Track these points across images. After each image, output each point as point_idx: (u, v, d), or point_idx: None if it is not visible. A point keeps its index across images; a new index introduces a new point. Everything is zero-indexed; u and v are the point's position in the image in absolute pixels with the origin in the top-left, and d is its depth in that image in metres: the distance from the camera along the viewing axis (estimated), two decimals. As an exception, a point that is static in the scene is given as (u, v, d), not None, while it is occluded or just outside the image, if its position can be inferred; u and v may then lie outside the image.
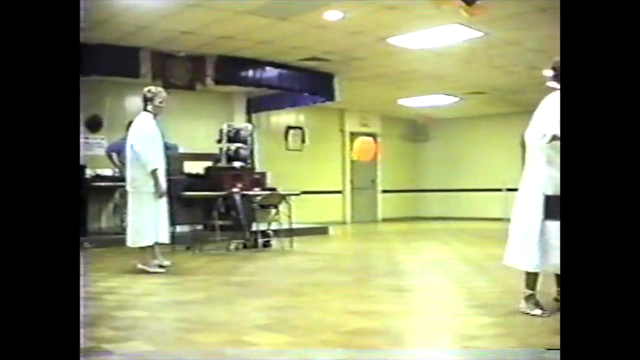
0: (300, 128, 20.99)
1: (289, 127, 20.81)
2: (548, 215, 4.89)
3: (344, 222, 22.31)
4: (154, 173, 8.92)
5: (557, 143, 5.50)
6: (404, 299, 7.21)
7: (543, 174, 5.90)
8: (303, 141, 20.99)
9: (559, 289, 6.16)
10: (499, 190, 21.03)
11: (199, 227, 13.09)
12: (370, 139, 21.39)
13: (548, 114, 5.82)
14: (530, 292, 6.13)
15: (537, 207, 5.60)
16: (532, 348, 4.75)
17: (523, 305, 6.11)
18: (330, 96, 16.53)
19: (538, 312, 5.99)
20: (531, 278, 6.15)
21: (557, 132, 5.42)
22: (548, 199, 4.89)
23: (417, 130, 25.18)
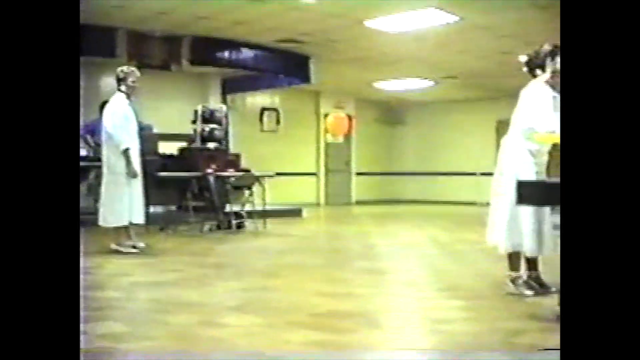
0: (275, 110, 20.97)
1: (264, 109, 20.77)
2: (520, 200, 4.95)
3: (318, 204, 22.34)
4: (125, 153, 8.91)
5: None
6: (376, 281, 7.27)
7: (524, 161, 6.00)
8: (278, 123, 20.96)
9: (530, 272, 6.24)
10: (473, 174, 21.17)
11: (173, 207, 13.08)
12: (343, 114, 21.46)
13: (541, 106, 5.89)
14: (515, 274, 6.23)
15: (511, 192, 5.66)
16: (501, 332, 4.82)
17: (511, 287, 6.19)
18: (305, 78, 16.52)
19: (530, 292, 6.09)
20: (514, 260, 6.24)
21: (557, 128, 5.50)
22: (520, 184, 4.94)
23: (392, 113, 25.22)
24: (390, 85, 20.35)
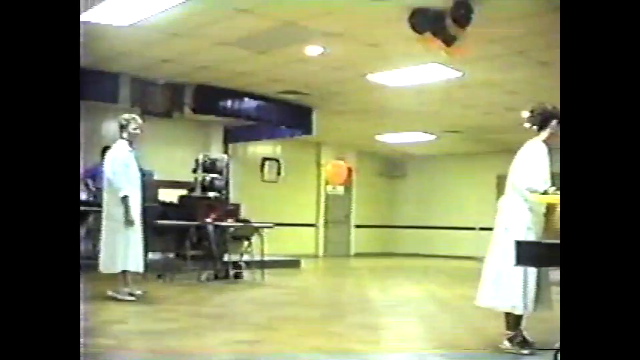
0: (276, 160, 20.99)
1: (265, 159, 20.80)
2: (519, 261, 4.94)
3: (316, 256, 22.27)
4: (124, 200, 8.90)
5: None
6: (372, 337, 7.20)
7: (522, 219, 6.01)
8: (279, 173, 20.98)
9: (512, 330, 6.23)
10: (472, 228, 21.14)
11: (171, 255, 13.03)
12: (342, 162, 21.49)
13: (538, 165, 5.95)
14: (512, 332, 6.19)
15: (512, 251, 5.64)
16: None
17: (507, 345, 6.16)
18: (307, 129, 16.56)
19: (526, 351, 6.05)
20: (512, 318, 6.20)
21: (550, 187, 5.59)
22: (519, 245, 4.93)
23: (393, 166, 25.26)
24: (392, 138, 20.42)
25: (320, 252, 22.75)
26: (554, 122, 6.13)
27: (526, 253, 4.88)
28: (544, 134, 6.17)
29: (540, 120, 6.24)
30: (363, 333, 7.40)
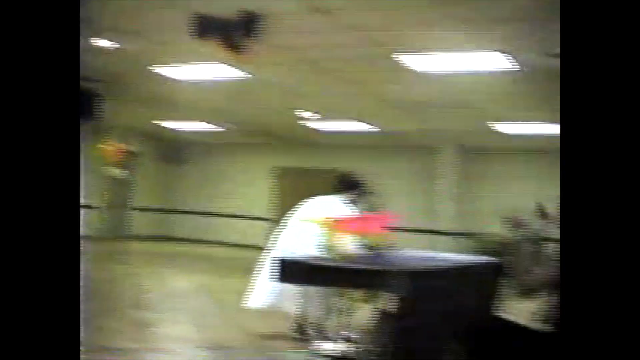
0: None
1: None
2: (283, 278, 5.24)
3: (95, 238, 21.92)
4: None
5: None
6: (146, 335, 7.46)
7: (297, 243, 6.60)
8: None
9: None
10: (247, 217, 21.61)
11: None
12: (117, 143, 21.29)
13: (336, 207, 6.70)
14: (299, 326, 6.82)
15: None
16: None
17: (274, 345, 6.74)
18: (91, 115, 16.37)
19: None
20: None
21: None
22: (284, 262, 5.24)
23: (177, 152, 25.27)
24: (177, 125, 20.56)
25: (99, 233, 22.44)
26: (354, 193, 7.19)
27: (292, 272, 5.17)
28: (342, 197, 6.95)
29: (342, 185, 7.04)
30: (138, 330, 7.62)
